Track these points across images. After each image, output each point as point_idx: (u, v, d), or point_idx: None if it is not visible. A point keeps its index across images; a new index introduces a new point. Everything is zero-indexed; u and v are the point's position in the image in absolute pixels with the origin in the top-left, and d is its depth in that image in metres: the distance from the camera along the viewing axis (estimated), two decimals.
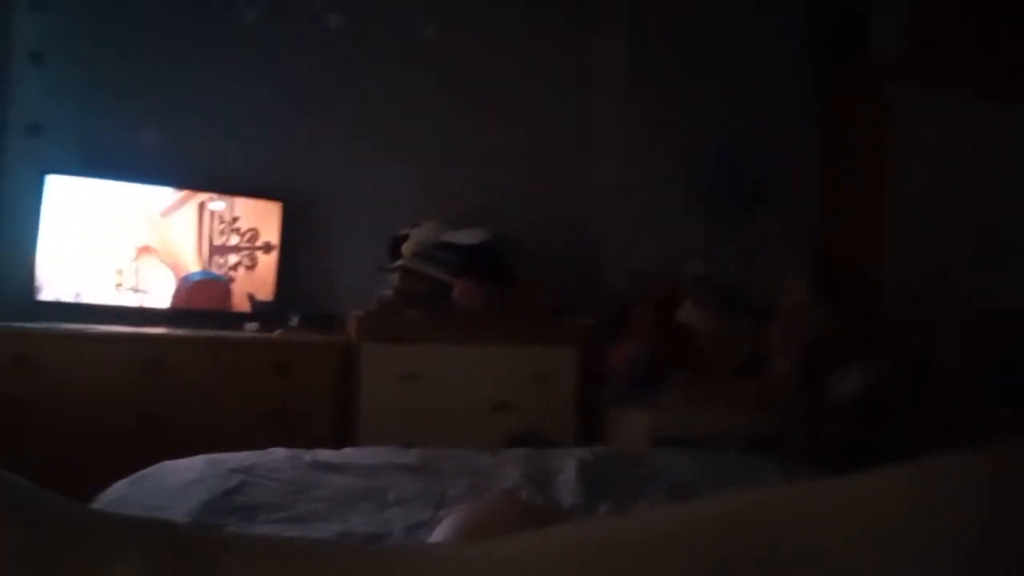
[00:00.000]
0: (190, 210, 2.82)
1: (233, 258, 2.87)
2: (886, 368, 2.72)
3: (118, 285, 2.70)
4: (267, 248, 2.91)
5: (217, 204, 2.85)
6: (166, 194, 2.78)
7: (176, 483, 1.45)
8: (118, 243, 2.70)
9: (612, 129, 3.29)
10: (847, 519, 0.24)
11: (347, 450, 1.84)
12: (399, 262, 2.81)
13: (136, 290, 2.73)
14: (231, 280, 2.86)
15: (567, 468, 1.68)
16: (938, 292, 2.97)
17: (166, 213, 2.79)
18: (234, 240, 2.87)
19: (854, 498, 0.25)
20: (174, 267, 2.79)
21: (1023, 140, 3.11)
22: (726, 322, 2.85)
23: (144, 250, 2.75)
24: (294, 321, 2.81)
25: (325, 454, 1.73)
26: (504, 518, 0.76)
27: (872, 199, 3.17)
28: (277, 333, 2.73)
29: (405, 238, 2.86)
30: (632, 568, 0.23)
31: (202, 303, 2.83)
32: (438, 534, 0.78)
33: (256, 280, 2.88)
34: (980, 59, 3.03)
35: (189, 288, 2.80)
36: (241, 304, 2.85)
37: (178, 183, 2.80)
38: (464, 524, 0.75)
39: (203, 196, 2.83)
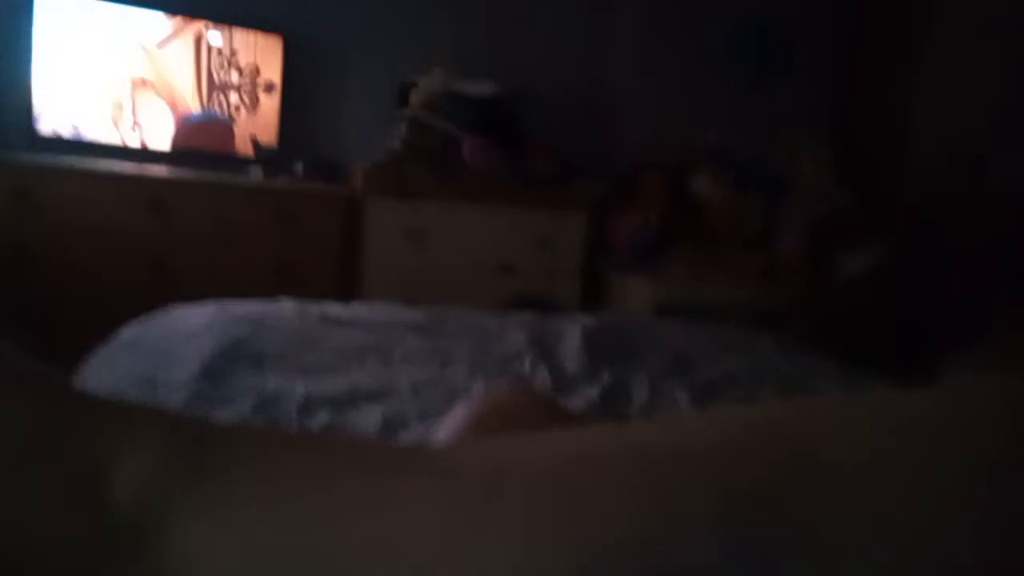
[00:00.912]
0: (186, 41, 2.66)
1: (234, 97, 2.75)
2: (897, 247, 2.70)
3: (116, 120, 2.61)
4: (269, 87, 2.78)
5: (215, 37, 2.68)
6: (161, 21, 2.61)
7: (186, 328, 1.46)
8: (113, 74, 2.58)
9: None
10: (879, 433, 0.24)
11: (354, 305, 1.86)
12: (407, 112, 2.70)
13: (135, 126, 2.64)
14: (233, 121, 2.76)
15: (571, 334, 1.70)
16: (961, 174, 2.89)
17: (162, 44, 2.63)
18: (234, 77, 2.73)
19: (886, 413, 0.25)
20: (172, 103, 2.68)
21: None
22: (739, 195, 2.79)
23: (141, 83, 2.62)
24: (299, 168, 2.75)
25: (333, 308, 1.74)
26: (517, 412, 0.76)
27: (903, 76, 3.01)
28: (281, 180, 2.68)
29: (414, 85, 2.73)
30: (676, 479, 0.22)
31: (204, 144, 2.75)
32: (448, 423, 0.78)
33: (258, 122, 2.78)
34: None
35: (190, 128, 2.71)
36: (244, 147, 2.77)
37: (172, 8, 2.62)
38: (474, 416, 0.75)
39: (199, 25, 2.66)
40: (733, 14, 3.08)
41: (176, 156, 2.68)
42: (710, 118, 3.05)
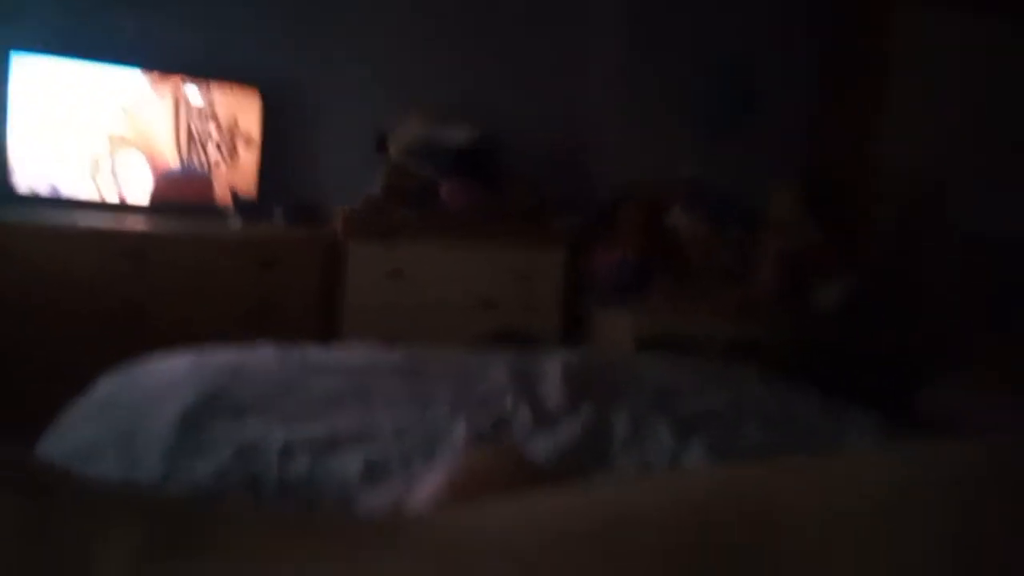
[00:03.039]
0: (165, 98, 2.69)
1: (213, 149, 2.77)
2: (868, 283, 2.75)
3: (94, 176, 2.62)
4: (247, 139, 2.81)
5: (193, 91, 2.72)
6: (139, 79, 2.65)
7: (163, 380, 1.45)
8: (92, 131, 2.60)
9: (606, 32, 3.16)
10: (839, 496, 0.24)
11: (333, 349, 1.85)
12: (386, 158, 2.73)
13: (113, 181, 2.65)
14: (212, 173, 2.78)
15: (552, 371, 1.70)
16: (925, 213, 2.97)
17: (140, 100, 2.66)
18: (212, 131, 2.76)
19: (848, 477, 0.26)
20: (151, 158, 2.70)
21: (1021, 63, 3.01)
22: (714, 229, 2.84)
23: (119, 140, 2.64)
24: (278, 215, 2.76)
25: (312, 352, 1.74)
26: (495, 478, 0.77)
27: (867, 115, 3.12)
28: (261, 227, 2.69)
29: (393, 132, 2.77)
30: (627, 545, 0.23)
31: (183, 197, 2.76)
32: (426, 489, 0.79)
33: (237, 173, 2.81)
34: None
35: (169, 181, 2.73)
36: (223, 198, 2.79)
37: (150, 66, 2.66)
38: (453, 482, 0.76)
39: (177, 80, 2.69)
40: (702, 59, 3.18)
41: (155, 209, 2.69)
42: (683, 156, 3.13)
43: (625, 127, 3.18)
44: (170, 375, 1.48)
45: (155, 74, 2.66)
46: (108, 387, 1.43)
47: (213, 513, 0.26)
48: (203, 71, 2.72)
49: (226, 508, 0.24)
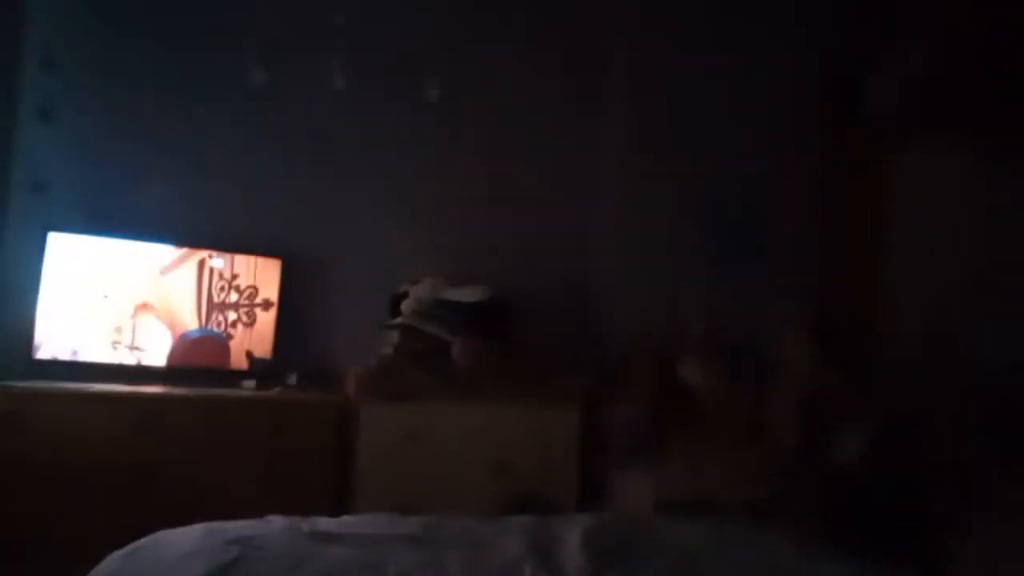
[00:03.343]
0: (190, 267, 2.82)
1: (232, 315, 2.86)
2: (887, 427, 2.70)
3: (115, 343, 2.69)
4: (266, 305, 2.90)
5: (217, 261, 2.85)
6: (167, 251, 2.79)
7: (172, 556, 1.41)
8: (117, 300, 2.70)
9: (612, 186, 3.32)
10: None
11: (345, 518, 1.80)
12: (398, 319, 2.80)
13: (133, 348, 2.71)
14: (229, 337, 2.85)
15: (571, 538, 1.64)
16: (937, 349, 2.97)
17: (166, 270, 2.79)
18: (233, 297, 2.87)
19: None
20: (171, 324, 2.78)
21: (1019, 199, 3.14)
22: (730, 380, 2.83)
23: (143, 307, 2.74)
24: (292, 379, 2.79)
25: (323, 523, 1.69)
26: None
27: (871, 255, 3.19)
28: (275, 391, 2.71)
29: (405, 295, 2.86)
30: None
31: (199, 360, 2.81)
32: None
33: (255, 337, 2.87)
34: (978, 120, 3.09)
35: (187, 345, 2.79)
36: (239, 362, 2.84)
37: (179, 241, 2.81)
38: None
39: (203, 253, 2.83)
40: (706, 203, 3.28)
41: (170, 373, 2.73)
42: (691, 304, 3.16)
43: (633, 278, 3.23)
44: (178, 549, 1.44)
45: (183, 248, 2.80)
46: (116, 564, 1.38)
47: None
48: (228, 243, 2.87)
49: None
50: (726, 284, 3.25)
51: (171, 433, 2.44)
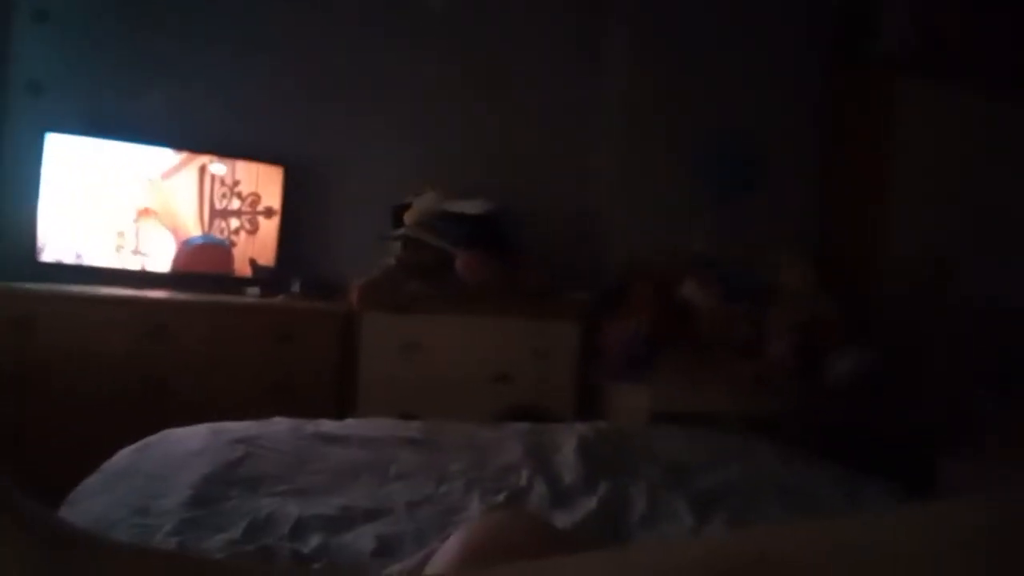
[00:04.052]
0: (191, 173, 2.79)
1: (235, 222, 2.85)
2: (880, 354, 2.73)
3: (119, 247, 2.69)
4: (268, 213, 2.89)
5: (218, 167, 2.82)
6: (167, 156, 2.75)
7: (180, 452, 1.46)
8: (119, 205, 2.68)
9: (615, 109, 3.27)
10: (870, 560, 0.25)
11: (349, 421, 1.86)
12: (401, 230, 2.79)
13: (137, 252, 2.72)
14: (232, 244, 2.85)
15: (567, 445, 1.69)
16: (935, 284, 2.97)
17: (167, 175, 2.76)
18: (235, 204, 2.85)
19: (876, 538, 0.26)
20: (174, 230, 2.78)
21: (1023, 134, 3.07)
22: (726, 302, 2.85)
23: (144, 212, 2.73)
24: (295, 287, 2.81)
25: (327, 425, 1.74)
26: (513, 541, 0.76)
27: (873, 189, 3.17)
28: (279, 299, 2.73)
29: (408, 206, 2.84)
30: None
31: (203, 267, 2.82)
32: (443, 553, 0.78)
33: (257, 245, 2.87)
34: (987, 55, 3.00)
35: (190, 252, 2.79)
36: (243, 269, 2.85)
37: (179, 145, 2.77)
38: (470, 546, 0.75)
39: (204, 159, 2.80)
40: (708, 132, 3.26)
41: (175, 279, 2.75)
42: (693, 230, 3.17)
43: (635, 201, 3.24)
44: (185, 449, 1.49)
45: (183, 153, 2.76)
46: (125, 459, 1.43)
47: (104, 546, 0.26)
48: (229, 149, 2.83)
49: (119, 546, 0.24)
50: (725, 211, 3.26)
51: (178, 339, 2.48)
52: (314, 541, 1.16)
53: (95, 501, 1.26)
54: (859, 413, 2.61)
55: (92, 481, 1.35)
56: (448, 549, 0.78)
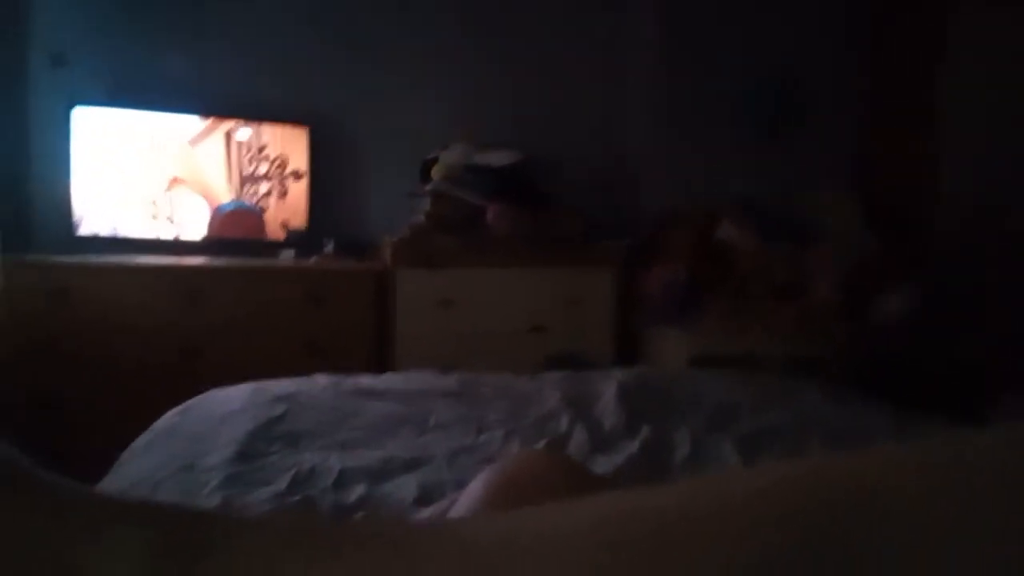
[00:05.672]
0: (218, 140, 2.78)
1: (264, 186, 2.85)
2: (930, 293, 2.64)
3: (153, 216, 2.72)
4: (296, 175, 2.88)
5: (244, 132, 2.81)
6: (193, 123, 2.75)
7: (223, 411, 1.48)
8: (149, 174, 2.70)
9: (650, 50, 3.14)
10: (936, 475, 0.22)
11: (387, 376, 1.86)
12: (430, 186, 2.76)
13: (170, 221, 2.74)
14: (264, 209, 2.85)
15: (607, 391, 1.67)
16: (989, 222, 2.84)
17: (194, 142, 2.76)
18: (263, 168, 2.84)
19: (941, 456, 0.23)
20: (206, 197, 2.79)
21: None
22: (766, 243, 2.77)
23: (175, 180, 2.74)
24: (329, 248, 2.81)
25: (366, 380, 1.74)
26: (543, 480, 0.74)
27: (922, 121, 3.01)
28: (312, 260, 2.74)
29: (435, 161, 2.80)
30: (687, 544, 0.21)
31: (236, 232, 2.83)
32: (467, 494, 0.76)
33: (288, 208, 2.87)
34: None
35: (223, 218, 2.81)
36: (275, 233, 2.86)
37: (203, 110, 2.76)
38: (496, 487, 0.73)
39: (230, 124, 2.79)
40: (747, 71, 3.13)
41: (210, 246, 2.77)
42: (730, 171, 3.07)
43: (670, 144, 3.14)
44: (227, 407, 1.50)
45: (208, 118, 2.75)
46: (169, 420, 1.46)
47: (226, 524, 0.24)
48: (253, 111, 2.81)
49: (241, 521, 0.22)
50: (765, 151, 3.15)
51: (214, 305, 2.50)
52: (357, 491, 1.17)
53: (143, 460, 1.28)
54: (909, 352, 2.53)
55: (139, 442, 1.38)
56: (472, 490, 0.76)
